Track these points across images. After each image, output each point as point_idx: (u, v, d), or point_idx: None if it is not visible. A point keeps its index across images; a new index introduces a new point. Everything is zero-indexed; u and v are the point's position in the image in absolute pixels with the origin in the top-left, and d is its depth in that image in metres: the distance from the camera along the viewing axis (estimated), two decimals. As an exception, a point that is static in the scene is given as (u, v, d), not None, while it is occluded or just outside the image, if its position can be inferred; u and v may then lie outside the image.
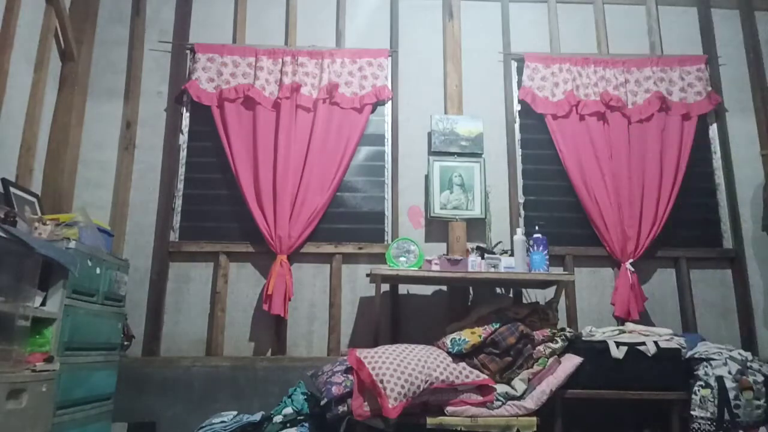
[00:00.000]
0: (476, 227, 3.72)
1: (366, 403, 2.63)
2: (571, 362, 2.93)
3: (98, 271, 2.80)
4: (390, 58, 3.97)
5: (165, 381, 3.35)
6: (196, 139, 3.81)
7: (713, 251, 3.83)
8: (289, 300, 3.46)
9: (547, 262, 3.25)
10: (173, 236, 3.65)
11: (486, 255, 3.27)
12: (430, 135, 3.82)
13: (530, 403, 2.78)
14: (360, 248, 3.67)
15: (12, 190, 2.92)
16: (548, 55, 4.02)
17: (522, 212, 3.80)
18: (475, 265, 3.20)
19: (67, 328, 2.51)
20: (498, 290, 3.64)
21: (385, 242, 3.68)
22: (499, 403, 2.77)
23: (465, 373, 2.78)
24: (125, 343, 3.26)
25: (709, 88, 3.97)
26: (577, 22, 4.15)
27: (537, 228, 3.39)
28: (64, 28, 3.57)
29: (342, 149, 3.71)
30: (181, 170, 3.75)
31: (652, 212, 3.69)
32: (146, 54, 3.91)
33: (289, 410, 2.90)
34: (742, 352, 3.01)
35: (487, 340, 2.90)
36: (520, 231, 3.42)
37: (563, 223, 3.79)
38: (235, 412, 3.08)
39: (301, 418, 2.86)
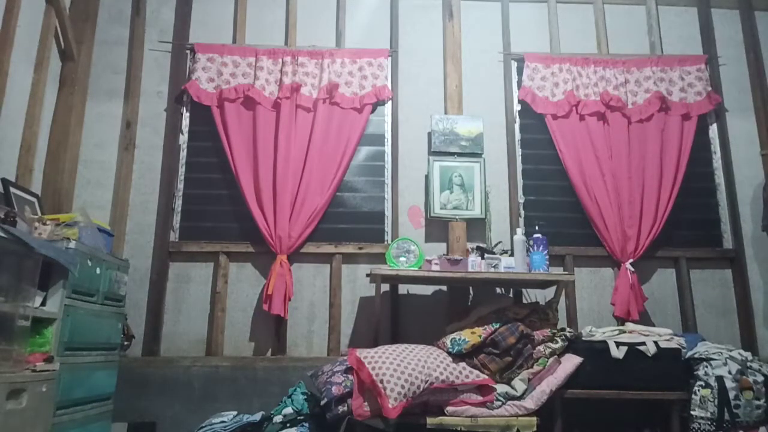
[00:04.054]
0: (476, 227, 3.72)
1: (366, 403, 2.63)
2: (571, 362, 2.93)
3: (98, 271, 2.80)
4: (390, 58, 3.97)
5: (165, 381, 3.35)
6: (196, 139, 3.81)
7: (713, 251, 3.83)
8: (289, 300, 3.46)
9: (547, 262, 3.25)
10: (173, 236, 3.65)
11: (486, 255, 3.27)
12: (430, 135, 3.82)
13: (530, 403, 2.78)
14: (360, 248, 3.67)
15: (12, 190, 2.92)
16: (548, 55, 4.02)
17: (522, 212, 3.80)
18: (475, 265, 3.20)
19: (67, 328, 2.51)
20: (498, 290, 3.64)
21: (385, 242, 3.68)
22: (499, 403, 2.77)
23: (465, 373, 2.78)
24: (125, 343, 3.27)
25: (709, 88, 3.96)
26: (577, 22, 4.15)
27: (537, 228, 3.40)
28: (64, 28, 3.57)
29: (342, 149, 3.71)
30: (181, 170, 3.75)
31: (652, 212, 3.69)
32: (146, 54, 3.91)
33: (289, 410, 2.90)
34: (742, 352, 3.02)
35: (487, 340, 2.90)
36: (520, 231, 3.42)
37: (563, 223, 3.79)
38: (235, 412, 3.08)
39: (301, 418, 2.86)
